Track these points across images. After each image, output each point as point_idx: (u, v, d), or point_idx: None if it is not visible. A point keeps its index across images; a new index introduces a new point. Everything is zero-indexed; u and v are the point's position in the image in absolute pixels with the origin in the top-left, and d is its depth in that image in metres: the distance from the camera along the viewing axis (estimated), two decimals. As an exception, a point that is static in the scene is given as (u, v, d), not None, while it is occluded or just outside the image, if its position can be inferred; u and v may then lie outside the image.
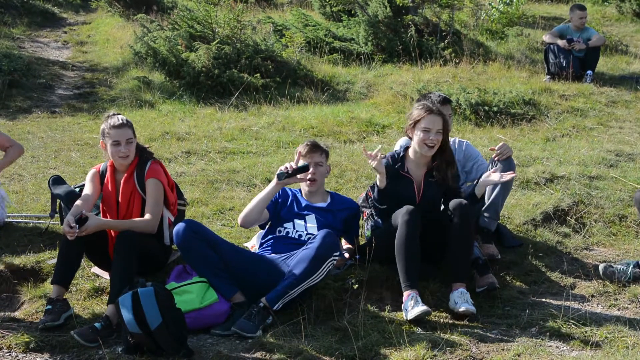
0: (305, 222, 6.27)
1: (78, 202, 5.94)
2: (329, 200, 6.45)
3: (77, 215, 5.58)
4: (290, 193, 6.42)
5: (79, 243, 5.65)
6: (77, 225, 5.51)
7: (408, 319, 5.64)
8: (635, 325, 5.55)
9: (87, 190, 6.04)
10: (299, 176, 6.08)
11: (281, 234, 6.19)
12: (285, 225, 6.23)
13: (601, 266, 6.40)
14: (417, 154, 6.19)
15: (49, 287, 5.96)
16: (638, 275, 6.33)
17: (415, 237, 5.78)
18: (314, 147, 6.38)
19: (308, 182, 6.29)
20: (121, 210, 5.98)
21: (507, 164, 6.52)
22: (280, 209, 6.29)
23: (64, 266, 5.70)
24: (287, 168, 6.03)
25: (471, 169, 6.89)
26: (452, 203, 5.92)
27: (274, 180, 6.04)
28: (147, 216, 5.90)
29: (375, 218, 6.49)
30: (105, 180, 6.06)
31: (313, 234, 6.13)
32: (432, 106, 6.11)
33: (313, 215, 6.31)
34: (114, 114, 6.04)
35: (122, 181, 6.00)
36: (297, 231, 6.22)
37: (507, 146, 6.57)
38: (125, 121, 5.98)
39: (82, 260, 6.05)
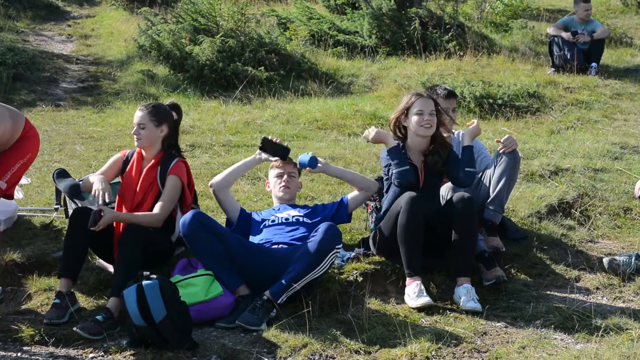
0: (287, 211, 6.39)
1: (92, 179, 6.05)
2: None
3: (96, 211, 5.61)
4: (258, 212, 6.56)
5: (84, 235, 5.68)
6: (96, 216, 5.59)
7: (411, 306, 5.69)
8: (640, 318, 5.56)
9: (104, 170, 6.16)
10: (274, 159, 6.41)
11: (267, 226, 6.25)
12: (266, 220, 6.32)
13: (605, 260, 6.39)
14: (415, 141, 6.21)
15: (54, 280, 5.98)
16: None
17: (418, 224, 5.78)
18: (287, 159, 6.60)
19: (282, 187, 6.45)
20: (137, 199, 6.01)
21: (512, 156, 6.51)
22: (256, 219, 6.40)
23: (70, 259, 5.72)
24: (270, 137, 6.39)
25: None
26: (455, 196, 5.93)
27: (257, 153, 6.47)
28: (156, 209, 5.92)
29: (379, 212, 6.51)
30: (129, 165, 6.13)
31: (298, 216, 6.27)
32: (420, 91, 6.21)
33: (291, 208, 6.44)
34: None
35: (146, 168, 6.04)
36: (282, 217, 6.29)
37: (512, 139, 6.56)
38: (145, 107, 6.14)
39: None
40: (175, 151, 6.19)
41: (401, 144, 6.26)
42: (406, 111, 6.17)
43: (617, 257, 6.40)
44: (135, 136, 6.06)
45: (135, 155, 6.15)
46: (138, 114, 6.07)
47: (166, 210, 5.97)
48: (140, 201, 6.01)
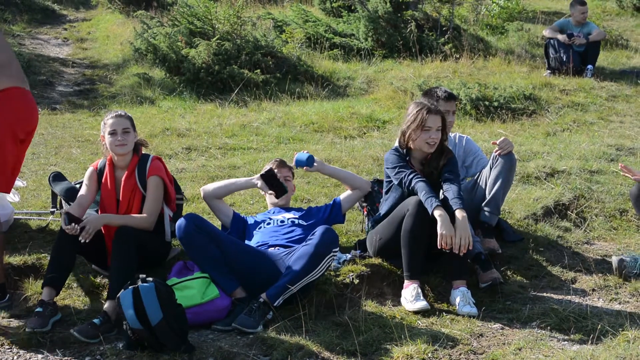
0: (282, 214, 6.45)
1: (73, 206, 6.00)
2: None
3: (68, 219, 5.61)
4: (254, 215, 6.60)
5: (73, 244, 5.66)
6: (75, 226, 5.56)
7: (408, 310, 5.70)
8: (636, 319, 5.54)
9: (83, 192, 6.09)
10: (269, 192, 6.43)
11: (263, 229, 6.29)
12: (262, 223, 6.38)
13: (615, 259, 6.35)
14: (417, 151, 6.19)
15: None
16: None
17: (424, 228, 5.77)
18: (283, 163, 6.75)
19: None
20: (121, 208, 5.99)
21: (508, 159, 6.52)
22: (251, 222, 6.45)
23: (56, 268, 5.66)
24: (276, 172, 6.42)
25: (471, 164, 6.91)
26: (446, 200, 5.91)
27: (255, 177, 6.45)
28: (144, 213, 5.94)
29: (375, 214, 6.51)
30: (103, 178, 6.07)
31: (293, 219, 6.33)
32: (431, 106, 6.13)
33: (285, 211, 6.51)
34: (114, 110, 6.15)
35: (123, 178, 6.01)
36: (278, 219, 6.35)
37: (508, 141, 6.57)
38: (123, 113, 6.10)
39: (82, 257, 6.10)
40: (142, 146, 6.22)
41: (405, 150, 6.24)
42: (417, 126, 6.11)
43: (625, 257, 6.38)
44: (119, 142, 5.98)
45: (107, 167, 6.11)
46: (120, 120, 6.02)
47: (155, 211, 6.01)
48: (126, 210, 6.00)
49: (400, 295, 5.86)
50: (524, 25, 16.70)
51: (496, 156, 6.56)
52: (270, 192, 6.41)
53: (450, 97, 6.79)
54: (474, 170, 6.86)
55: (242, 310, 5.48)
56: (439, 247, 5.67)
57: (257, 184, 6.45)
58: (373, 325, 5.43)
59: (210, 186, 6.61)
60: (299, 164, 6.50)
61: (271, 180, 6.37)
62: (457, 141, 7.01)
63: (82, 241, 5.58)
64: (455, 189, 5.92)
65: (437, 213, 5.71)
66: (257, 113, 11.49)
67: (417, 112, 6.10)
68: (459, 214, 5.74)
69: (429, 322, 5.57)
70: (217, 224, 6.52)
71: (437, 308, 5.81)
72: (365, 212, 6.84)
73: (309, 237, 5.78)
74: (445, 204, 5.83)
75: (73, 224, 5.56)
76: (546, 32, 13.86)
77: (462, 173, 6.84)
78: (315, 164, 6.53)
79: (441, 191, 6.34)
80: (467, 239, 5.66)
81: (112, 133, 5.99)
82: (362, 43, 15.07)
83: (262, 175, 6.38)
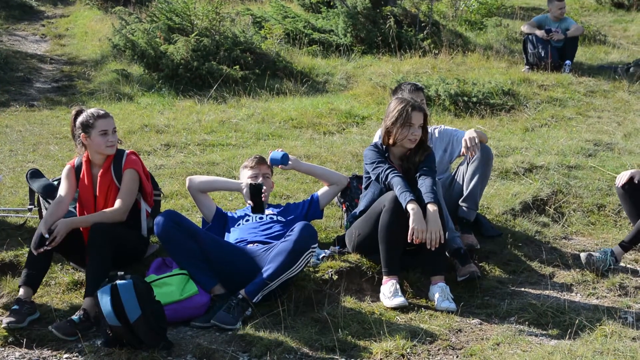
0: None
1: (53, 207, 5.93)
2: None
3: (46, 232, 5.59)
4: (233, 212, 6.60)
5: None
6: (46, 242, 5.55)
7: (387, 306, 5.71)
8: (613, 314, 5.58)
9: (62, 190, 6.02)
10: (249, 202, 6.33)
11: (242, 226, 6.29)
12: (241, 219, 6.37)
13: (582, 255, 6.41)
14: (398, 146, 6.18)
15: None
16: (613, 263, 6.36)
17: (401, 223, 5.76)
18: (262, 160, 6.65)
19: None
20: (99, 204, 5.95)
21: (485, 153, 6.51)
22: (230, 220, 6.43)
23: (32, 268, 5.63)
24: (263, 190, 6.30)
25: (452, 150, 6.91)
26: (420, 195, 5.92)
27: (244, 183, 6.34)
28: (116, 204, 5.88)
29: (353, 209, 6.51)
30: (81, 175, 6.02)
31: (272, 215, 6.35)
32: (414, 102, 6.14)
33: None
34: (83, 110, 6.04)
35: (99, 175, 5.97)
36: (256, 216, 6.34)
37: (468, 142, 6.54)
38: (106, 112, 6.02)
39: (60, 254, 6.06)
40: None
41: (384, 146, 6.24)
42: (403, 121, 6.11)
43: (593, 253, 6.43)
44: (110, 143, 5.94)
45: (84, 164, 6.04)
46: (110, 121, 5.96)
47: (126, 203, 5.93)
48: (103, 206, 5.96)
49: (379, 291, 5.87)
50: (503, 21, 16.76)
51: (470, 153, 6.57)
52: (250, 202, 6.36)
53: (417, 88, 6.83)
54: (456, 150, 6.86)
55: (221, 307, 5.47)
56: (409, 241, 5.68)
57: (243, 190, 6.38)
58: (352, 321, 5.43)
59: (197, 178, 6.56)
60: (274, 162, 6.50)
61: (256, 194, 6.31)
62: (432, 132, 7.04)
63: (49, 248, 5.56)
64: (429, 183, 5.93)
65: (410, 207, 5.72)
66: (236, 109, 11.47)
67: (401, 108, 6.10)
68: (430, 207, 5.75)
69: (407, 318, 5.58)
70: (195, 220, 6.50)
71: (416, 304, 5.83)
72: (344, 208, 6.84)
73: (287, 234, 5.77)
74: (420, 199, 5.84)
75: (39, 249, 5.56)
76: (524, 28, 13.92)
77: (445, 159, 6.87)
78: (290, 162, 6.54)
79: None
80: (437, 233, 5.68)
81: (104, 133, 5.91)
82: (341, 39, 15.06)
83: (251, 185, 6.31)
